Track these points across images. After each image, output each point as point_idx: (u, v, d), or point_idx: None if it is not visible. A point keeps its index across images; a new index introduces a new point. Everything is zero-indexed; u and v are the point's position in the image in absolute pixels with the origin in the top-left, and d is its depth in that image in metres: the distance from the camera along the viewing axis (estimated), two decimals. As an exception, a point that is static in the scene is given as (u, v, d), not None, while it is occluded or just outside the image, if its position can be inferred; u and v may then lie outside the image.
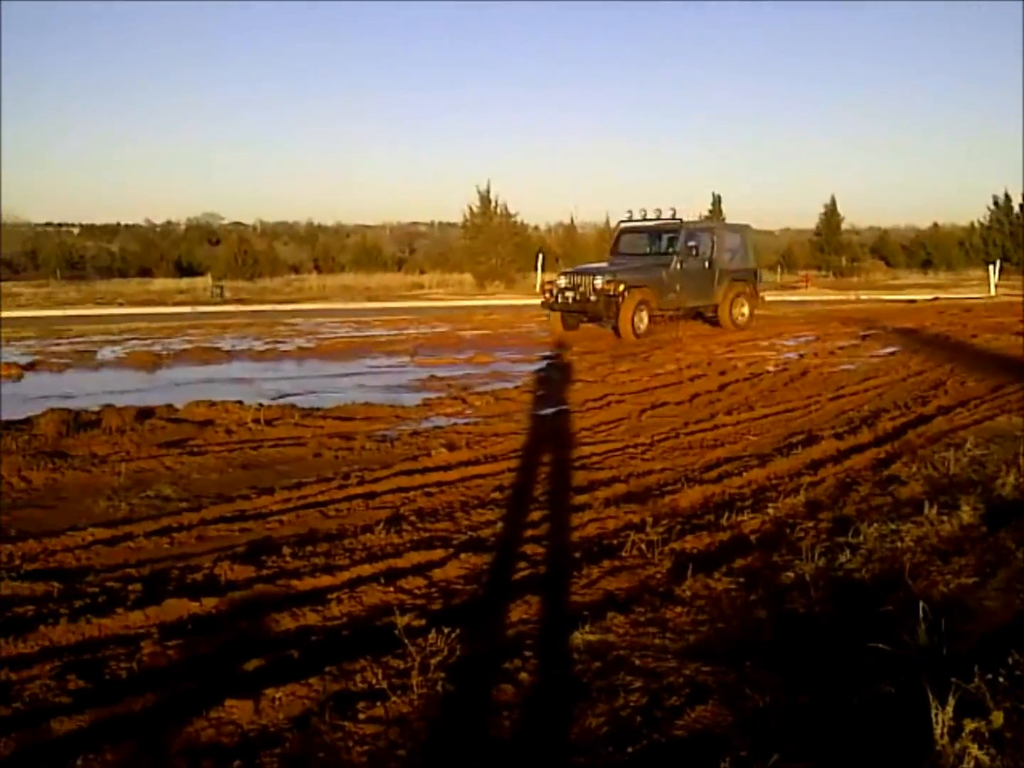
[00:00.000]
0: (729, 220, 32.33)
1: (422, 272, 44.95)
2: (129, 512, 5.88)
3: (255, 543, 5.19)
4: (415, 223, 70.13)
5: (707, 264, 17.69)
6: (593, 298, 16.43)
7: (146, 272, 45.15)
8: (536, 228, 50.45)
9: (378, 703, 3.26)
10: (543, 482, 6.62)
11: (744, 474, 6.64)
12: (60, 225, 57.15)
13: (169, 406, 9.35)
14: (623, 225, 18.94)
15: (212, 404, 9.33)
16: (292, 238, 60.00)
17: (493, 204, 40.15)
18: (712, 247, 17.87)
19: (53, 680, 3.49)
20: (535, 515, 5.74)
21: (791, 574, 4.46)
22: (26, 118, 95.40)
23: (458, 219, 43.22)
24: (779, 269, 45.91)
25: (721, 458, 7.30)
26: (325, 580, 4.56)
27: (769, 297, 22.35)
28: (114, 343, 16.67)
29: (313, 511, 5.84)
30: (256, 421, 8.52)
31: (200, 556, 4.97)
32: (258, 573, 4.67)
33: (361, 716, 3.20)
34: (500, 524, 5.53)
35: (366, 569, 4.70)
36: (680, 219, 17.68)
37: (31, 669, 3.61)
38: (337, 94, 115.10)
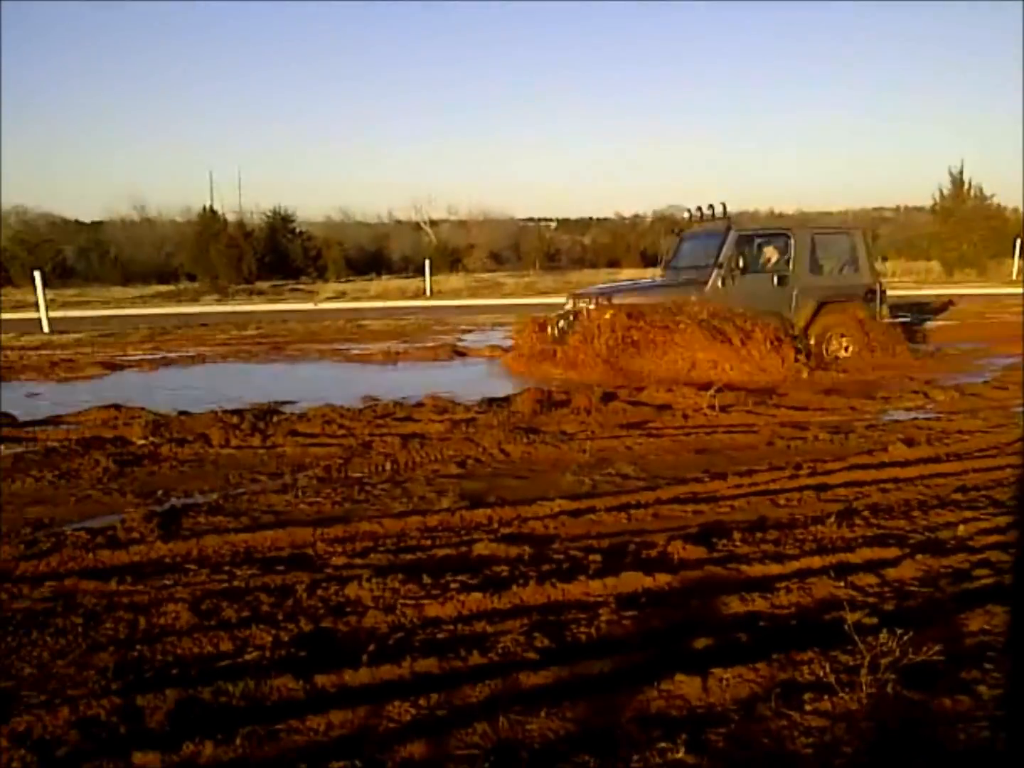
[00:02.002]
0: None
1: (885, 259, 42.81)
2: (592, 487, 6.29)
3: (706, 525, 5.34)
4: (879, 208, 66.53)
5: (776, 280, 12.41)
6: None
7: (614, 263, 47.32)
8: (1015, 211, 45.76)
9: (825, 697, 3.26)
10: (1011, 486, 6.12)
11: None
12: (540, 220, 61.54)
13: (631, 390, 9.80)
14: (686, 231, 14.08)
15: (670, 389, 9.66)
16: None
17: (966, 186, 37.17)
18: (788, 257, 12.47)
19: (522, 636, 3.84)
20: (1000, 520, 5.33)
21: None
22: (506, 125, 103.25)
23: (926, 203, 40.62)
24: None
25: None
26: (774, 568, 4.59)
27: None
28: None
29: (764, 499, 5.89)
30: (711, 407, 8.70)
31: (655, 533, 5.20)
32: (709, 555, 4.81)
33: (807, 708, 3.21)
34: (961, 527, 5.21)
35: (815, 561, 4.66)
36: (728, 218, 12.84)
37: (504, 624, 4.00)
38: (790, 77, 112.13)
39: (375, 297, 29.41)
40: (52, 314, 19.82)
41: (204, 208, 42.13)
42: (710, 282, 12.10)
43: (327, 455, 7.27)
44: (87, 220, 49.63)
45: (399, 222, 54.69)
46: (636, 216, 61.12)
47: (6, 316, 23.12)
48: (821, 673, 3.42)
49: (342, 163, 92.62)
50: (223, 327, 18.82)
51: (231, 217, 42.58)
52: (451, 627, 3.98)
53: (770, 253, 12.64)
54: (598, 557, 4.79)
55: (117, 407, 9.19)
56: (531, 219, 60.60)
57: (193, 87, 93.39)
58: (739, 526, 5.29)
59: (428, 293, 29.61)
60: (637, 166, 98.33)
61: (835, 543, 4.99)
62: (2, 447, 7.72)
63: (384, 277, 41.48)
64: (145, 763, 2.92)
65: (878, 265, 14.54)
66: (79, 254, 43.01)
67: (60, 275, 36.61)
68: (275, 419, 8.52)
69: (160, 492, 6.32)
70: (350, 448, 7.49)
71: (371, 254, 48.48)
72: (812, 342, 12.30)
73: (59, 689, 3.49)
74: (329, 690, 3.41)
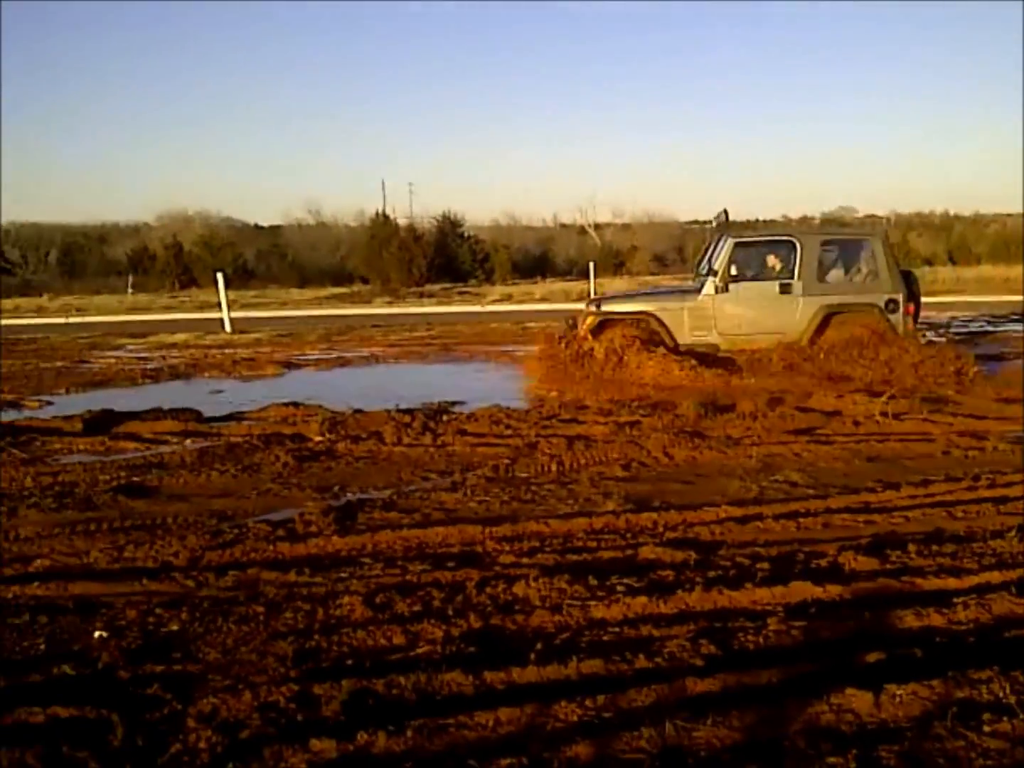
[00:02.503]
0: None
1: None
2: (759, 494, 6.21)
3: (879, 536, 5.19)
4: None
5: (779, 288, 11.69)
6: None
7: (779, 265, 46.49)
8: None
9: (1004, 718, 3.13)
10: None
11: None
12: (704, 222, 60.68)
13: (800, 395, 9.61)
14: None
15: (840, 395, 9.42)
16: (926, 229, 56.99)
17: None
18: (792, 265, 11.69)
19: (688, 642, 3.82)
20: None
21: None
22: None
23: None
24: None
25: None
26: (951, 582, 4.42)
27: None
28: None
29: (939, 510, 5.68)
30: (883, 414, 8.42)
31: (824, 543, 5.09)
32: (882, 566, 4.67)
33: (985, 729, 3.09)
34: None
35: (995, 576, 4.46)
36: (724, 222, 12.60)
37: (670, 629, 3.99)
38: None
39: (540, 300, 29.65)
40: (233, 314, 20.81)
41: (377, 213, 43.62)
42: (703, 290, 11.74)
43: (495, 455, 7.41)
44: (266, 224, 51.97)
45: (564, 225, 55.16)
46: (804, 217, 59.51)
47: (191, 316, 24.46)
48: (1001, 693, 3.30)
49: (510, 167, 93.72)
50: (394, 328, 19.39)
51: (402, 222, 44.00)
52: (616, 629, 4.01)
53: (774, 261, 11.96)
54: (766, 565, 4.72)
55: (295, 404, 9.60)
56: (695, 221, 59.68)
57: (368, 96, 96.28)
58: (914, 538, 5.11)
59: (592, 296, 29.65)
60: (806, 167, 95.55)
61: (1016, 558, 4.77)
62: (188, 441, 8.18)
63: (549, 280, 41.80)
64: (321, 750, 3.06)
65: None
66: (259, 257, 45.03)
67: (241, 277, 38.40)
68: (445, 418, 8.73)
69: (336, 487, 6.58)
70: (517, 448, 7.61)
71: (536, 257, 48.98)
72: (820, 355, 11.23)
73: (242, 674, 3.68)
74: (497, 687, 3.48)
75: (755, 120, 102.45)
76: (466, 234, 45.84)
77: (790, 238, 11.96)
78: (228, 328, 19.70)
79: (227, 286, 21.45)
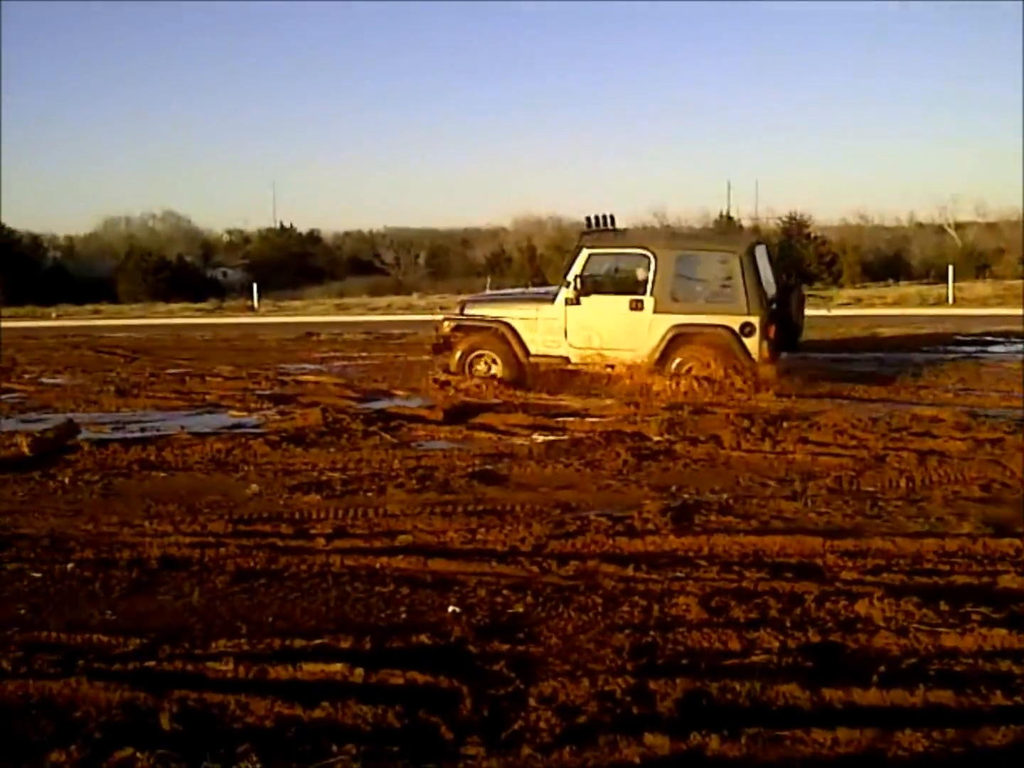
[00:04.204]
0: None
1: None
2: None
3: None
4: None
5: (630, 304, 10.81)
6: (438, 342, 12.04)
7: None
8: None
9: None
10: None
11: None
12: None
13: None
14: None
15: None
16: None
17: None
18: (649, 280, 10.75)
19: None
20: None
21: None
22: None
23: None
24: None
25: None
26: None
27: None
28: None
29: None
30: None
31: None
32: None
33: None
34: None
35: None
36: (586, 229, 11.58)
37: None
38: None
39: (892, 304, 28.02)
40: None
41: (720, 214, 43.29)
42: (556, 300, 11.19)
43: (837, 466, 7.16)
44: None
45: (920, 225, 51.63)
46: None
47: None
48: None
49: (862, 164, 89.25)
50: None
51: (747, 223, 43.27)
52: (970, 661, 3.77)
53: (636, 274, 11.13)
54: None
55: (635, 404, 9.76)
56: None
57: (714, 102, 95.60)
58: None
59: (950, 301, 27.68)
60: None
61: None
62: (537, 435, 8.56)
63: (902, 283, 39.46)
64: (655, 745, 3.10)
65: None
66: (604, 259, 46.10)
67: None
68: (785, 425, 8.53)
69: (673, 487, 6.65)
70: (862, 461, 7.31)
71: (888, 259, 46.35)
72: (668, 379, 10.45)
73: (580, 661, 3.83)
74: (836, 705, 3.39)
75: None
76: (812, 235, 44.27)
77: (644, 251, 11.17)
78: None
79: (572, 285, 22.09)
